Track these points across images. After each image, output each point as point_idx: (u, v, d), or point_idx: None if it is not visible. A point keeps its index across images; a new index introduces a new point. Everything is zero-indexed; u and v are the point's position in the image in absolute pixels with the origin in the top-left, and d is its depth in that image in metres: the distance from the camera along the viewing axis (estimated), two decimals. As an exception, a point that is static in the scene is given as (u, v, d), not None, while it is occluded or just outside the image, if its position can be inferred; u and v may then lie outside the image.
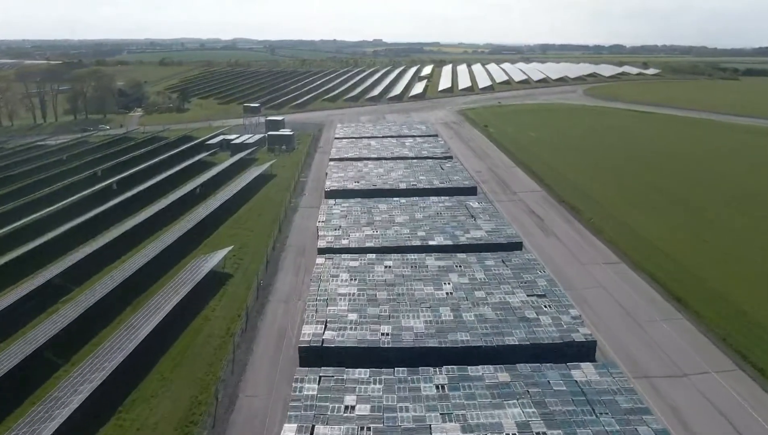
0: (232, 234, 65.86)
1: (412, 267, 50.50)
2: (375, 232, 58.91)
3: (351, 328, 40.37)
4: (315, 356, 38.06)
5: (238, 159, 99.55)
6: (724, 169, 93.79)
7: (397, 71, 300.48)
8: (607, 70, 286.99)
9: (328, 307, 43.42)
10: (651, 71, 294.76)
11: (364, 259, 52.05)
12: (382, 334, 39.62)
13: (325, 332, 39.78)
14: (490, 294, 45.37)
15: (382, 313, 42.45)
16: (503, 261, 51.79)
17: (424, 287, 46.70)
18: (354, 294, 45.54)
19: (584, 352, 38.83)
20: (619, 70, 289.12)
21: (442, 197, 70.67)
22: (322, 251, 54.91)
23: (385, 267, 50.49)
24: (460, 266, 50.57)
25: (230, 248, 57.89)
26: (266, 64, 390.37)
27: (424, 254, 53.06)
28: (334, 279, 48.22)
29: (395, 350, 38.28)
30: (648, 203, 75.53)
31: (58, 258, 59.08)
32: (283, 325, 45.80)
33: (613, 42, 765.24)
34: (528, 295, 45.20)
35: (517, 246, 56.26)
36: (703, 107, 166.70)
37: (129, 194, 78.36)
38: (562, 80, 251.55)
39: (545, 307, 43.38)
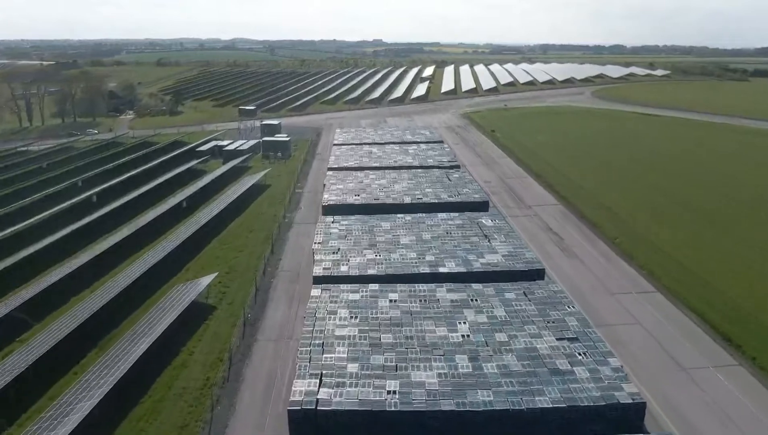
0: (219, 255, 59.30)
1: (421, 301, 43.99)
2: (378, 257, 52.37)
3: (351, 384, 33.82)
4: (308, 423, 31.56)
5: (231, 167, 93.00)
6: (756, 180, 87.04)
7: (398, 72, 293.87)
8: (614, 71, 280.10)
9: (324, 354, 36.90)
10: (659, 72, 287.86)
11: (366, 291, 45.52)
12: (389, 392, 33.06)
13: (320, 390, 33.21)
14: (514, 337, 38.83)
15: (388, 363, 35.91)
16: (525, 293, 45.26)
17: (436, 328, 40.17)
18: (354, 336, 39.01)
19: (631, 416, 32.31)
20: (627, 71, 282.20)
21: (452, 214, 64.11)
22: (318, 280, 48.35)
23: (391, 301, 43.96)
24: (476, 300, 44.06)
25: (215, 275, 51.27)
26: (265, 64, 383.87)
27: (434, 285, 46.52)
28: (332, 316, 41.68)
29: (404, 414, 31.73)
30: (676, 219, 68.96)
31: (22, 285, 52.58)
32: (272, 372, 39.23)
33: (613, 42, 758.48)
34: (558, 339, 38.65)
35: (539, 274, 49.70)
36: (718, 110, 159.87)
37: (108, 208, 71.80)
38: (569, 81, 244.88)
39: (579, 354, 36.84)
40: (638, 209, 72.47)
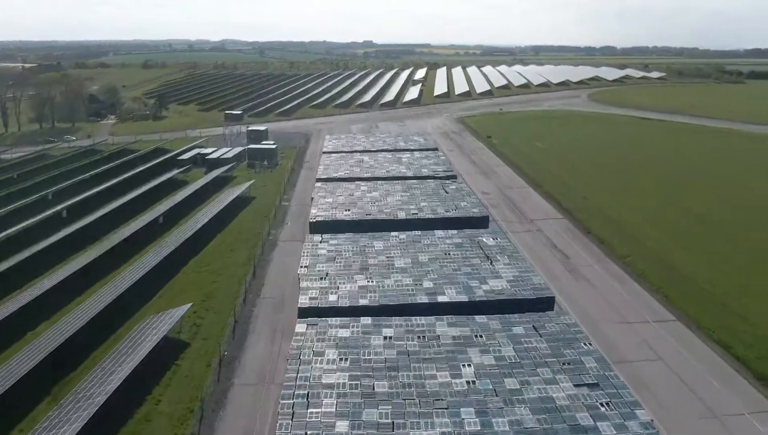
0: (196, 280, 54.14)
1: (419, 338, 39.07)
2: (370, 283, 47.40)
3: (340, 449, 28.88)
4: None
5: (213, 178, 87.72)
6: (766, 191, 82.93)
7: (389, 74, 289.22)
8: (609, 73, 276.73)
9: (310, 409, 31.88)
10: (655, 74, 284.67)
11: (358, 326, 40.55)
12: (384, 459, 28.17)
13: (304, 458, 28.25)
14: (526, 384, 33.99)
15: (383, 420, 30.97)
16: (535, 327, 40.44)
17: (437, 372, 35.27)
18: (344, 385, 34.01)
19: (669, 486, 27.60)
20: (622, 73, 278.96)
21: (450, 231, 59.27)
22: (303, 312, 43.30)
23: (385, 338, 39.03)
24: (482, 336, 39.20)
25: (189, 306, 46.06)
26: (254, 66, 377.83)
27: (433, 318, 41.64)
28: (319, 359, 36.68)
29: (403, 489, 26.84)
30: (690, 234, 64.64)
31: (-27, 317, 47.18)
32: (249, 429, 34.18)
33: (604, 43, 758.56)
34: (576, 386, 33.86)
35: (548, 302, 44.97)
36: (718, 114, 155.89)
37: (78, 225, 66.35)
38: (564, 84, 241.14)
39: (602, 405, 32.06)
40: (647, 222, 68.14)
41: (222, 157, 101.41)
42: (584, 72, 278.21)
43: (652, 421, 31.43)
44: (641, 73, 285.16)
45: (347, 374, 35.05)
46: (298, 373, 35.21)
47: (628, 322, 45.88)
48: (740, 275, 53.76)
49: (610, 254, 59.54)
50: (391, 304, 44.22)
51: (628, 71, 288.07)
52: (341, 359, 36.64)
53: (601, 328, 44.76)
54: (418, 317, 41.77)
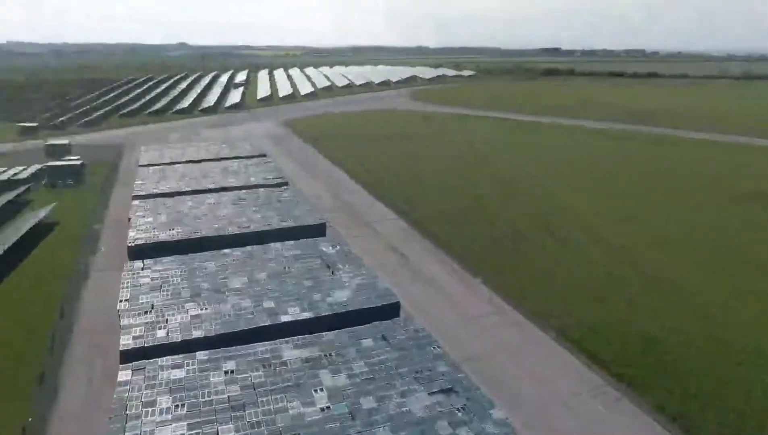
0: (-14, 331, 44.89)
1: (264, 367, 35.74)
2: (204, 310, 42.78)
3: None
4: None
5: (3, 203, 74.80)
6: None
7: (208, 77, 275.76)
8: (426, 72, 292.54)
9: (141, 475, 27.17)
10: (466, 73, 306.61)
11: (193, 363, 36.03)
12: None
13: None
14: (383, 400, 32.51)
15: (231, 472, 27.36)
16: (384, 337, 39.28)
17: (288, 404, 32.34)
18: (182, 437, 29.68)
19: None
20: (438, 72, 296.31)
21: (287, 243, 56.31)
22: (127, 356, 37.53)
23: (226, 373, 35.10)
24: (331, 355, 37.01)
25: (-25, 367, 37.67)
26: (52, 72, 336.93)
27: (278, 342, 38.52)
28: (149, 410, 31.70)
29: None
30: (496, 213, 68.83)
31: None
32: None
33: (417, 44, 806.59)
34: (430, 393, 33.16)
35: (393, 309, 44.20)
36: (525, 109, 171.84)
37: None
38: (385, 84, 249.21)
39: (459, 410, 31.68)
40: (468, 214, 71.42)
41: (13, 178, 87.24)
42: (403, 72, 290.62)
43: (507, 418, 31.79)
44: (454, 72, 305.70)
45: (185, 423, 30.65)
46: (124, 432, 30.03)
47: (473, 316, 46.92)
48: (550, 258, 58.23)
49: (445, 249, 61.10)
50: (229, 332, 40.15)
51: (443, 70, 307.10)
52: (177, 406, 32.05)
53: (448, 326, 45.14)
54: (261, 343, 38.34)
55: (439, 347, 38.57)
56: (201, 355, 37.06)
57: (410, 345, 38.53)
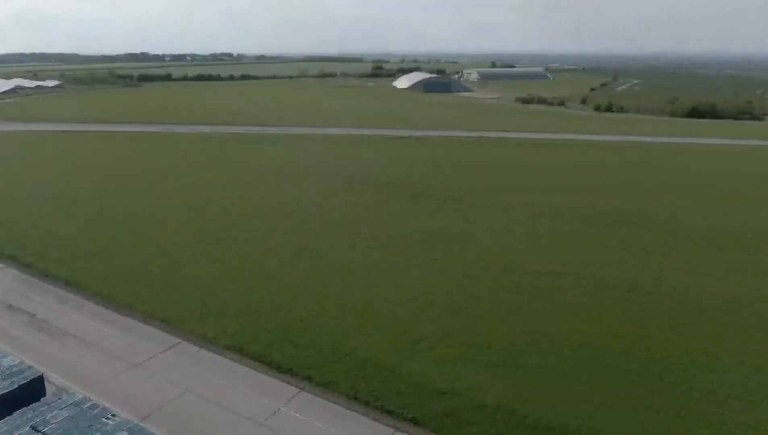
0: None
1: None
2: None
3: None
4: None
5: None
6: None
7: None
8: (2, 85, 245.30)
9: None
10: (51, 83, 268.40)
11: None
12: None
13: None
14: None
15: None
16: (35, 428, 30.42)
17: None
18: None
19: None
20: (13, 84, 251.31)
21: None
22: None
23: None
24: (-42, 481, 26.75)
25: None
26: None
27: None
28: None
29: None
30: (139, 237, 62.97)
31: None
32: None
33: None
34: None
35: (38, 386, 34.72)
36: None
37: None
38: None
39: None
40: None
41: None
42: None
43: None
44: (35, 83, 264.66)
45: None
46: None
47: (137, 364, 40.67)
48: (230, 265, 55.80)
49: (81, 292, 51.73)
50: None
51: (18, 81, 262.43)
52: None
53: (110, 386, 38.06)
54: None
55: (113, 416, 31.93)
56: None
57: (75, 424, 30.81)
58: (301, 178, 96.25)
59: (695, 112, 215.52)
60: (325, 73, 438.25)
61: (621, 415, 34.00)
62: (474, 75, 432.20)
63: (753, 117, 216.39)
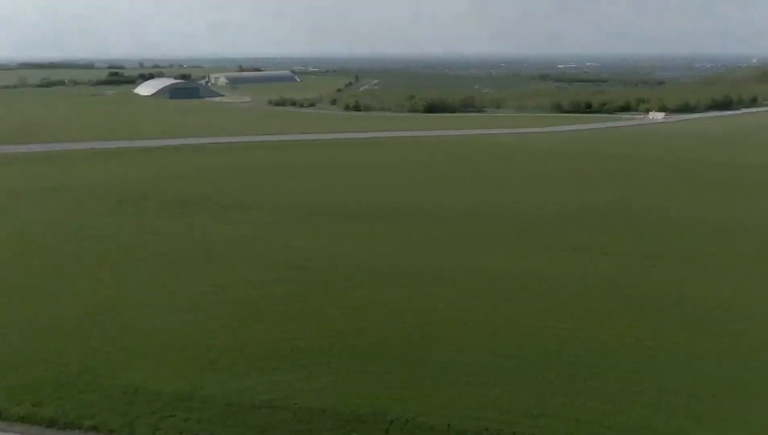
0: None
1: None
2: None
3: None
4: None
5: None
6: None
7: None
8: None
9: None
10: None
11: None
12: None
13: None
14: None
15: None
16: None
17: None
18: None
19: None
20: None
21: None
22: None
23: None
24: None
25: None
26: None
27: None
28: None
29: None
30: None
31: None
32: None
33: None
34: None
35: None
36: None
37: None
38: None
39: None
40: None
41: None
42: None
43: None
44: None
45: None
46: None
47: None
48: None
49: None
50: None
51: None
52: None
53: None
54: None
55: None
56: None
57: None
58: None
59: (431, 108, 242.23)
60: (50, 81, 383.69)
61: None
62: (222, 79, 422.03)
63: (476, 109, 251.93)
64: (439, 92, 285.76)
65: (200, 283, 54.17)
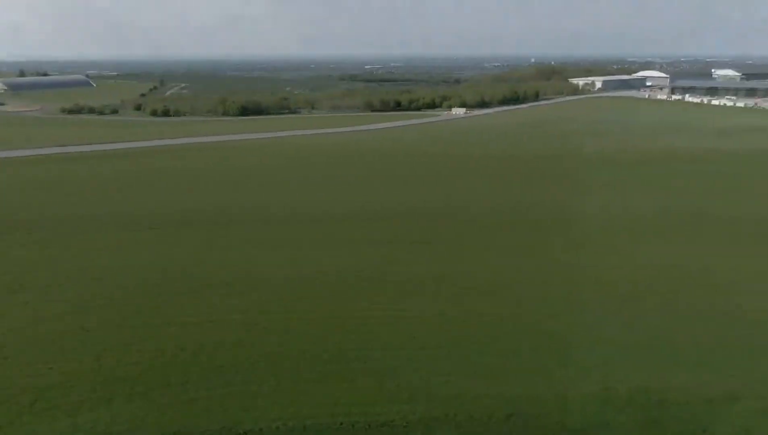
0: None
1: None
2: None
3: None
4: None
5: None
6: None
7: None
8: None
9: None
10: None
11: None
12: None
13: None
14: None
15: None
16: None
17: None
18: None
19: None
20: None
21: None
22: None
23: None
24: None
25: None
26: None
27: None
28: None
29: None
30: None
31: None
32: None
33: None
34: None
35: None
36: None
37: None
38: None
39: None
40: None
41: None
42: None
43: None
44: None
45: None
46: None
47: None
48: None
49: None
50: None
51: None
52: None
53: None
54: None
55: None
56: None
57: None
58: None
59: (245, 111, 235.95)
60: None
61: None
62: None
63: (291, 111, 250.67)
64: (252, 95, 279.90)
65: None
